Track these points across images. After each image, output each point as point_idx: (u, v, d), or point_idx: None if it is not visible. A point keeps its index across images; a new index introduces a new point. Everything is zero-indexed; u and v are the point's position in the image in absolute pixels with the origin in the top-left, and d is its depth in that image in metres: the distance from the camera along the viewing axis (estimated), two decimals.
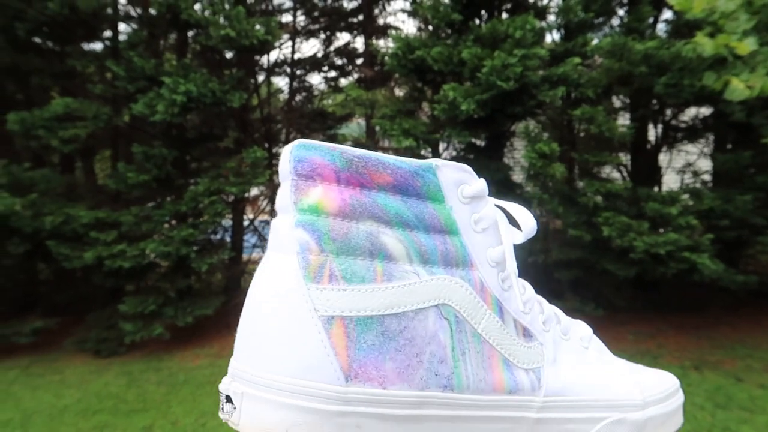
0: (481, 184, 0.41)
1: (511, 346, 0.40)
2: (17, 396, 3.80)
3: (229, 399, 0.36)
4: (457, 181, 0.40)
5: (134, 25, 5.76)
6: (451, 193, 0.40)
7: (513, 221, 0.44)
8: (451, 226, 0.39)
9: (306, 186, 0.37)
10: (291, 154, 0.37)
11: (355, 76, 7.26)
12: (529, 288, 0.45)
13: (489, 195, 0.44)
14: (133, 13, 5.74)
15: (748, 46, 2.75)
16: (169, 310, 4.55)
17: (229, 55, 5.83)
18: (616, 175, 5.63)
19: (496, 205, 0.43)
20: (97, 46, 5.84)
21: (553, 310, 0.47)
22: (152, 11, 5.22)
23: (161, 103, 4.55)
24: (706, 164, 5.66)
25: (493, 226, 0.42)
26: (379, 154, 0.37)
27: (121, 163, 5.02)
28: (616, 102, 5.58)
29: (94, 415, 3.43)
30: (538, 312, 0.44)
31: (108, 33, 5.78)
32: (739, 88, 2.82)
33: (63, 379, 4.13)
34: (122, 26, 5.88)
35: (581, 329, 0.49)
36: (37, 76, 5.51)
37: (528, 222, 0.43)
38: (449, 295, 0.38)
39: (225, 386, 0.37)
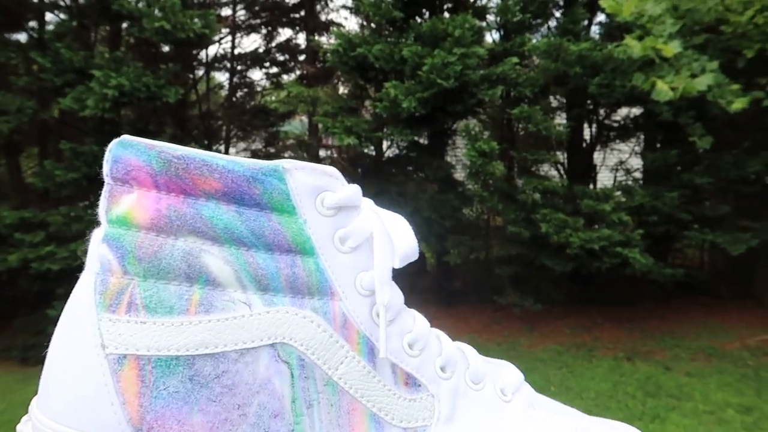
0: (349, 192, 0.33)
1: (384, 398, 0.32)
2: None
3: None
4: (314, 188, 0.32)
5: (62, 15, 5.49)
6: (306, 202, 0.32)
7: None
8: (303, 244, 0.31)
9: (120, 192, 0.30)
10: (109, 153, 0.30)
11: (297, 72, 7.18)
12: (420, 321, 0.35)
13: (364, 204, 0.35)
14: (60, 2, 5.47)
15: (672, 48, 2.89)
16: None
17: (166, 48, 5.64)
18: (553, 172, 5.79)
19: (376, 214, 0.35)
20: (22, 36, 5.54)
21: (460, 351, 0.37)
22: (81, 0, 4.99)
23: (91, 97, 4.36)
24: (637, 162, 5.91)
25: (367, 244, 0.34)
26: (208, 154, 0.30)
27: (48, 160, 4.78)
28: (553, 102, 5.74)
29: None
30: (435, 354, 0.35)
31: (33, 23, 5.48)
32: (664, 89, 2.95)
33: None
34: (49, 16, 5.58)
35: (505, 376, 0.38)
36: None
37: (405, 241, 0.34)
38: (292, 333, 0.30)
39: (21, 426, 0.31)
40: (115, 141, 0.31)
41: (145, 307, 0.29)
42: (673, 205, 4.56)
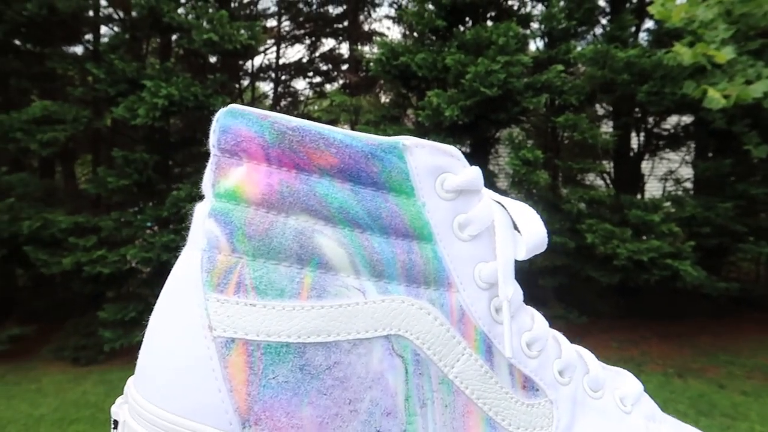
0: (471, 174, 0.30)
1: (501, 401, 0.29)
2: None
3: (116, 424, 0.29)
4: (435, 168, 0.29)
5: (116, 28, 5.70)
6: (426, 184, 0.29)
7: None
8: (421, 229, 0.29)
9: (228, 164, 0.28)
10: (217, 123, 0.29)
11: (340, 81, 7.25)
12: (540, 321, 0.33)
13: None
14: (114, 15, 5.68)
15: (725, 55, 2.79)
16: (150, 318, 4.48)
17: (213, 59, 5.79)
18: (599, 182, 5.66)
19: (498, 202, 0.32)
20: (78, 48, 5.77)
21: (577, 354, 0.34)
22: (134, 14, 5.17)
23: (142, 106, 4.50)
24: (687, 172, 5.73)
25: (487, 233, 0.31)
26: (325, 127, 0.28)
27: (101, 167, 4.96)
28: (600, 110, 5.63)
29: (71, 425, 3.35)
30: (554, 356, 0.32)
31: (89, 36, 5.71)
32: (716, 97, 2.85)
33: (40, 387, 4.04)
34: (104, 29, 5.80)
35: (624, 385, 0.35)
36: (16, 78, 5.42)
37: (534, 231, 0.31)
38: (408, 324, 0.28)
39: (116, 408, 0.30)
40: (222, 110, 0.29)
41: (255, 288, 0.27)
42: (726, 217, 4.39)
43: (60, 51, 5.51)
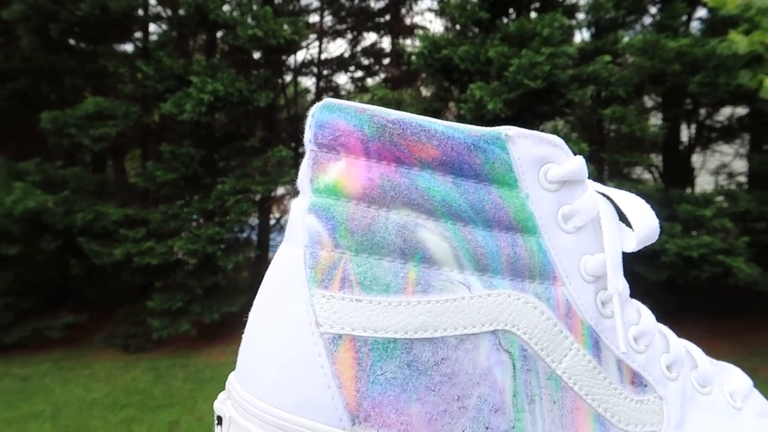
0: (575, 164, 0.29)
1: (610, 397, 0.29)
2: (48, 389, 3.88)
3: (220, 420, 0.29)
4: (538, 158, 0.29)
5: (164, 26, 5.84)
6: (530, 175, 0.28)
7: (624, 219, 0.31)
8: (525, 221, 0.28)
9: (326, 159, 0.28)
10: (313, 118, 0.29)
11: (382, 75, 7.25)
12: (646, 315, 0.32)
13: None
14: (162, 14, 5.82)
15: None
16: (196, 307, 4.59)
17: (256, 55, 5.87)
18: (647, 176, 5.50)
19: (600, 194, 0.31)
20: (128, 46, 5.94)
21: (685, 349, 0.33)
22: (181, 12, 5.29)
23: (189, 102, 4.60)
24: (741, 165, 5.50)
25: (592, 225, 0.30)
26: (425, 119, 0.28)
27: (150, 161, 5.10)
28: (648, 101, 5.46)
29: (122, 410, 3.48)
30: (661, 350, 0.31)
31: (138, 34, 5.87)
32: None
33: (92, 373, 4.20)
34: (152, 27, 5.95)
35: (733, 380, 0.34)
36: (70, 76, 5.62)
37: (645, 221, 0.30)
38: (514, 319, 0.27)
39: (219, 404, 0.30)
40: (318, 105, 0.29)
41: (360, 283, 0.27)
42: None
43: (111, 49, 5.68)
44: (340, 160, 0.28)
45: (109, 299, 5.39)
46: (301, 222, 0.28)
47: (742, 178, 5.37)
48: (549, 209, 0.29)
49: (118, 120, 4.90)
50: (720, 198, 4.63)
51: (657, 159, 5.42)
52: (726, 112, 5.39)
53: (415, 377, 0.26)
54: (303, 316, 0.27)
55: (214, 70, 4.86)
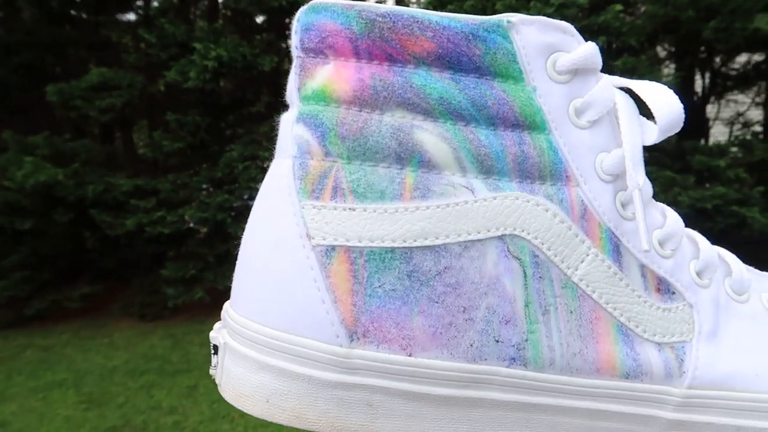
0: (587, 51, 0.27)
1: (633, 306, 0.27)
2: (70, 357, 3.97)
3: (216, 350, 0.28)
4: (545, 47, 0.26)
5: None
6: (536, 65, 0.26)
7: (644, 110, 0.29)
8: (533, 117, 0.26)
9: (314, 64, 0.26)
10: (298, 22, 0.27)
11: None
12: (673, 217, 0.30)
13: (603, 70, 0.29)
14: None
15: None
16: (209, 275, 4.64)
17: (259, 19, 5.78)
18: None
19: (617, 86, 0.29)
20: (131, 15, 5.86)
21: (717, 254, 0.31)
22: None
23: (193, 69, 4.56)
24: (757, 114, 5.38)
25: (608, 118, 0.28)
26: (418, 10, 0.25)
27: (157, 131, 5.08)
28: (661, 52, 5.32)
29: (142, 376, 3.56)
30: (690, 256, 0.29)
31: (140, 2, 5.78)
32: None
33: (111, 341, 4.29)
34: None
35: None
36: (73, 48, 5.58)
37: (668, 108, 0.27)
38: (524, 223, 0.25)
39: (214, 333, 0.29)
40: (303, 8, 0.27)
41: (353, 191, 0.25)
42: None
43: (113, 19, 5.61)
44: (328, 63, 0.26)
45: (124, 269, 5.46)
46: (289, 133, 0.27)
47: (758, 128, 5.26)
48: (559, 103, 0.27)
49: (123, 90, 4.87)
50: (735, 148, 4.55)
51: None
52: (742, 59, 5.24)
53: (417, 288, 0.25)
54: (293, 229, 0.25)
55: (217, 36, 4.80)
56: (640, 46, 4.56)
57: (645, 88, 0.28)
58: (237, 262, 0.29)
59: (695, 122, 5.26)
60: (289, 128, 0.27)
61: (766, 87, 5.32)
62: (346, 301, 0.25)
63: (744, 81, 5.27)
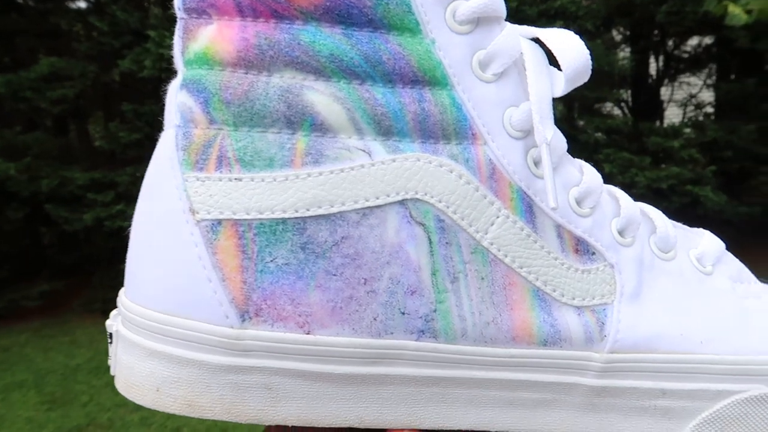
0: None
1: (550, 268, 0.25)
2: (30, 357, 3.87)
3: (111, 337, 0.27)
4: None
5: None
6: (434, 15, 0.24)
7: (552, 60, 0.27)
8: (433, 71, 0.24)
9: (196, 25, 0.25)
10: None
11: None
12: (590, 173, 0.28)
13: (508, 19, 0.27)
14: None
15: None
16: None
17: None
18: (617, 111, 5.53)
19: (523, 36, 0.27)
20: (81, 2, 5.67)
21: (640, 210, 0.29)
22: None
23: (148, 58, 4.45)
24: (709, 96, 5.55)
25: (515, 70, 0.26)
26: None
27: (113, 123, 4.96)
28: (617, 35, 5.43)
29: (106, 374, 3.49)
30: (611, 214, 0.28)
31: None
32: (737, 13, 2.73)
33: (74, 339, 4.20)
34: None
35: (703, 242, 0.30)
36: (22, 37, 5.38)
37: (573, 54, 0.26)
38: (427, 186, 0.24)
39: (110, 321, 0.28)
40: None
41: (239, 160, 0.23)
42: (749, 139, 4.29)
43: (63, 6, 5.42)
44: (211, 23, 0.24)
45: (84, 265, 5.33)
46: (173, 101, 0.25)
47: (710, 109, 5.43)
48: (461, 55, 0.25)
49: (76, 80, 4.73)
50: (688, 129, 4.69)
51: (626, 93, 5.43)
52: (693, 42, 5.39)
53: (312, 261, 0.23)
54: (176, 204, 0.24)
55: (172, 23, 4.67)
56: (596, 30, 4.64)
57: (551, 36, 0.27)
58: (129, 240, 0.27)
59: (650, 105, 5.40)
60: (174, 96, 0.25)
61: (716, 69, 5.48)
62: (235, 278, 0.23)
63: (696, 63, 5.43)
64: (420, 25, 0.24)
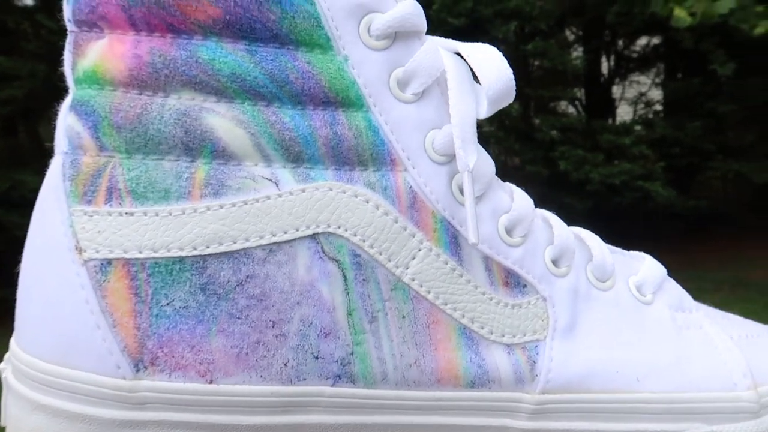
0: (406, 9, 0.24)
1: (477, 304, 0.23)
2: None
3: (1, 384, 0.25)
4: (357, 5, 0.22)
5: None
6: (346, 29, 0.22)
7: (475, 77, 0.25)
8: (346, 92, 0.22)
9: (86, 40, 0.23)
10: None
11: None
12: (521, 198, 0.26)
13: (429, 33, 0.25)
14: None
15: None
16: None
17: None
18: (571, 109, 5.67)
19: (445, 50, 0.25)
20: (28, 0, 5.48)
21: (574, 236, 0.28)
22: None
23: None
24: (657, 94, 5.76)
25: (437, 89, 0.24)
26: None
27: None
28: (570, 35, 5.57)
29: None
30: (544, 242, 0.26)
31: None
32: (682, 15, 2.85)
33: None
34: None
35: (643, 269, 0.29)
36: None
37: (495, 75, 0.24)
38: (340, 218, 0.22)
39: (2, 364, 0.25)
40: None
41: (131, 192, 0.21)
42: (695, 136, 4.47)
43: (8, 3, 5.22)
44: (102, 38, 0.22)
45: None
46: (60, 123, 0.23)
47: (659, 107, 5.62)
48: (377, 73, 0.23)
49: (24, 80, 4.56)
50: (638, 127, 4.85)
51: (580, 92, 5.57)
52: (642, 42, 5.57)
53: (214, 303, 0.21)
54: (61, 241, 0.22)
55: None
56: (550, 30, 4.75)
57: (472, 52, 0.25)
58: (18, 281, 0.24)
59: (603, 103, 5.57)
60: (62, 118, 0.23)
61: (664, 68, 5.68)
62: (127, 324, 0.21)
63: (644, 63, 5.62)
64: (331, 40, 0.22)
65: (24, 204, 4.63)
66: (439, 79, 0.24)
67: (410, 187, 0.23)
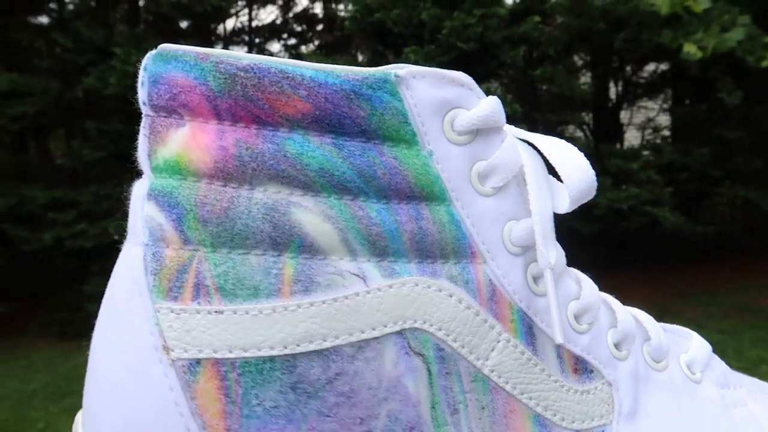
0: (489, 106, 0.24)
1: (550, 392, 0.24)
2: None
3: None
4: (441, 103, 0.23)
5: None
6: (432, 126, 0.22)
7: (553, 171, 0.26)
8: (431, 186, 0.22)
9: (165, 126, 0.22)
10: (145, 72, 0.22)
11: (316, 42, 7.12)
12: (588, 286, 0.26)
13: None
14: None
15: (701, 5, 2.79)
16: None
17: (184, 24, 5.65)
18: (579, 134, 5.68)
19: (522, 140, 0.26)
20: (43, 18, 5.58)
21: (634, 319, 0.28)
22: None
23: (113, 75, 4.40)
24: (665, 120, 5.77)
25: (515, 183, 0.25)
26: (289, 62, 0.21)
27: (76, 140, 4.87)
28: (577, 61, 5.61)
29: (64, 398, 3.38)
30: (607, 326, 0.26)
31: (53, 4, 5.52)
32: (692, 51, 2.87)
33: (30, 363, 4.05)
34: None
35: (692, 347, 0.29)
36: None
37: (579, 173, 0.24)
38: (426, 313, 0.22)
39: None
40: (151, 53, 0.22)
41: (220, 289, 0.21)
42: (703, 162, 4.46)
43: (24, 21, 5.32)
44: (183, 125, 0.22)
45: (40, 286, 5.17)
46: (138, 212, 0.22)
47: (666, 132, 5.63)
48: (460, 168, 0.23)
49: (37, 97, 4.63)
50: (646, 152, 4.85)
51: (588, 117, 5.60)
52: (650, 68, 5.60)
53: (304, 402, 0.21)
54: (147, 340, 0.21)
55: (139, 41, 4.65)
56: (558, 56, 4.79)
57: (553, 149, 0.25)
58: (87, 371, 0.24)
59: (611, 127, 5.58)
60: (139, 206, 0.22)
61: (672, 94, 5.70)
62: (217, 426, 0.20)
63: (652, 89, 5.65)
64: (417, 136, 0.22)
65: (31, 219, 4.66)
66: (517, 173, 0.25)
67: (489, 279, 0.23)
